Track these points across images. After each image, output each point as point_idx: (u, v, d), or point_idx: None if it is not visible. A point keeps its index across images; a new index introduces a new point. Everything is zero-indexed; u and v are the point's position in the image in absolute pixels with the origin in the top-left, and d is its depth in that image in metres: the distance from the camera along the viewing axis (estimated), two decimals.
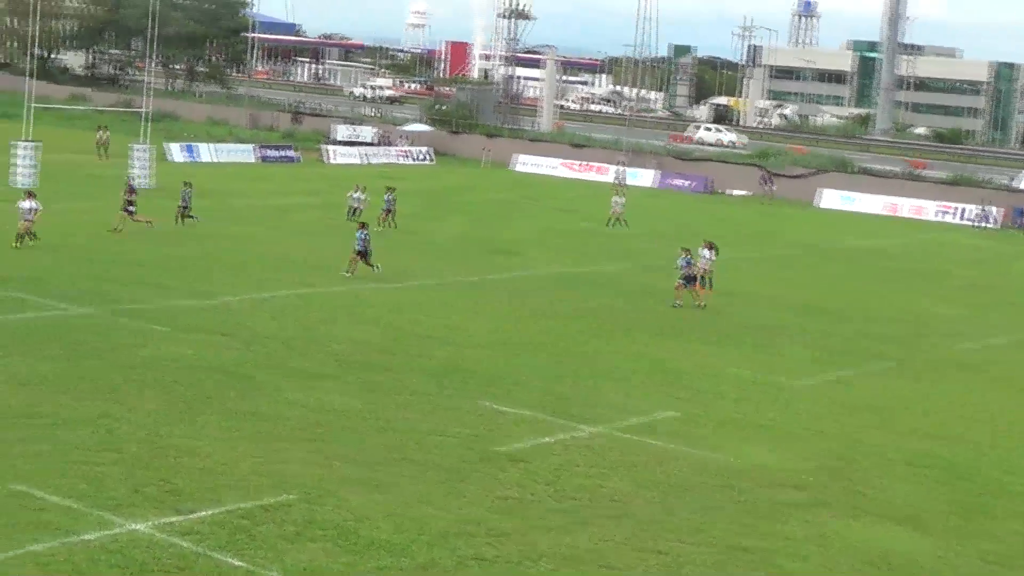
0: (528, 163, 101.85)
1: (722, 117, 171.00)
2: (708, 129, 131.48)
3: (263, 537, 20.97)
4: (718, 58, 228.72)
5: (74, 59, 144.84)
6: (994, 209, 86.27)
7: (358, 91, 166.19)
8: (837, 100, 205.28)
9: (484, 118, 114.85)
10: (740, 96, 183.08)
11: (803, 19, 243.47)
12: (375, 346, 35.87)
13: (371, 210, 60.14)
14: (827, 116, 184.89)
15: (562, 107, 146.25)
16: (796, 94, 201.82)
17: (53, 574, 19.07)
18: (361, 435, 27.17)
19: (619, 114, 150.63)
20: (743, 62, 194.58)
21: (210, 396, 29.21)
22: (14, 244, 45.76)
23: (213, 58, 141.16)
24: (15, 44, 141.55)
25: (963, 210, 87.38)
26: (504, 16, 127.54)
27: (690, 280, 45.92)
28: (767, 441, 29.62)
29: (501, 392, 31.87)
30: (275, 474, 24.08)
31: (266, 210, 64.30)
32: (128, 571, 19.34)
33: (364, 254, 45.90)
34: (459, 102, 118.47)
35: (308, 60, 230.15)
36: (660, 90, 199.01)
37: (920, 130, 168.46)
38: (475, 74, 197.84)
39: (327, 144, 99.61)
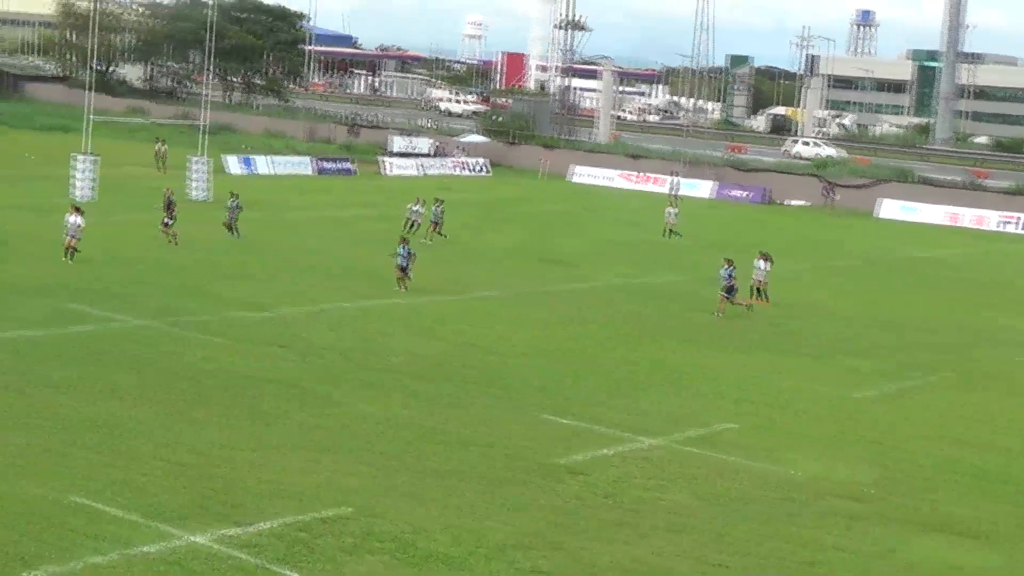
0: (585, 174, 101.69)
1: (780, 127, 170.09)
2: (806, 143, 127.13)
3: (321, 549, 20.92)
4: (776, 68, 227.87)
5: (132, 72, 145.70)
6: None
7: (443, 105, 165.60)
8: (896, 109, 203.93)
9: (541, 129, 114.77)
10: (798, 106, 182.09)
11: (861, 28, 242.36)
12: (433, 358, 35.83)
13: (427, 224, 60.03)
14: (886, 125, 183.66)
15: (619, 118, 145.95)
16: (854, 104, 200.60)
17: None
18: (419, 447, 27.11)
19: (677, 125, 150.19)
20: (801, 72, 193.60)
21: (269, 408, 29.25)
22: (64, 258, 45.82)
23: (270, 71, 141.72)
24: (74, 57, 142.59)
25: None
26: (561, 27, 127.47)
27: (731, 291, 45.64)
28: (827, 453, 29.36)
29: (559, 403, 31.76)
30: (333, 486, 24.05)
31: (323, 222, 64.45)
32: None
33: (404, 269, 45.65)
34: (516, 113, 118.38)
35: (365, 72, 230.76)
36: (717, 100, 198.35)
37: (981, 139, 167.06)
38: (531, 85, 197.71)
39: (384, 156, 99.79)
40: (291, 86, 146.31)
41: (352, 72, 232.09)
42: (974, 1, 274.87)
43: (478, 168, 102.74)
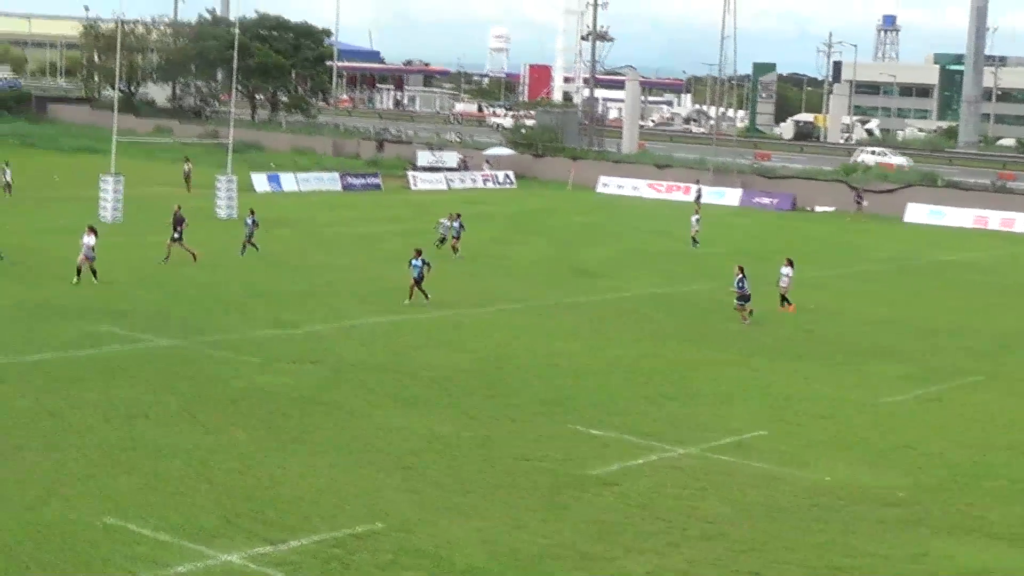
0: (612, 184, 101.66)
1: (806, 134, 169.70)
2: (872, 152, 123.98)
3: (357, 566, 20.98)
4: (801, 75, 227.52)
5: (158, 92, 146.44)
6: None
7: (494, 120, 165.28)
8: (922, 114, 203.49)
9: (567, 141, 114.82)
10: (823, 112, 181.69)
11: (885, 33, 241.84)
12: (463, 371, 35.87)
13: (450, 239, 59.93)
14: (912, 130, 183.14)
15: (642, 127, 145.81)
16: (880, 109, 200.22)
17: None
18: (452, 461, 27.16)
19: (703, 133, 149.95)
20: (826, 78, 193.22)
21: (301, 425, 29.33)
22: (74, 280, 45.82)
23: (297, 88, 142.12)
24: (99, 79, 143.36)
25: None
26: (585, 38, 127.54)
27: (744, 299, 45.61)
28: (859, 459, 29.29)
29: (590, 414, 31.76)
30: (367, 502, 24.11)
31: (351, 238, 64.57)
32: None
33: (419, 281, 45.48)
34: (542, 125, 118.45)
35: (391, 87, 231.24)
36: (742, 108, 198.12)
37: (1007, 141, 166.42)
38: (557, 97, 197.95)
39: (411, 171, 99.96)
40: (317, 102, 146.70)
41: (378, 87, 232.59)
42: (998, 4, 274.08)
43: (504, 181, 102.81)
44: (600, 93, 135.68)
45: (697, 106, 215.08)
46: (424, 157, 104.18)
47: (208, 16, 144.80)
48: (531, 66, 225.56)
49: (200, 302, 44.35)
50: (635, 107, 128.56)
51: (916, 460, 29.56)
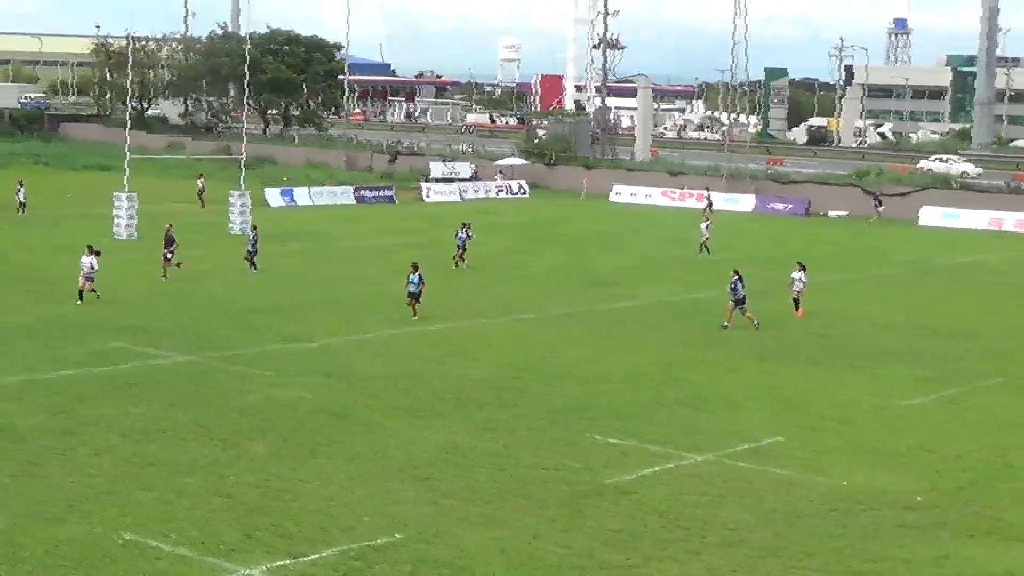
0: (625, 193, 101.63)
1: (819, 139, 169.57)
2: (940, 160, 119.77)
3: None
4: (812, 79, 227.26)
5: (170, 108, 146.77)
6: None
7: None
8: (935, 116, 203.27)
9: (580, 149, 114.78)
10: (836, 117, 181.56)
11: (897, 36, 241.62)
12: (479, 382, 35.86)
13: (475, 248, 59.94)
14: (925, 133, 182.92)
15: (659, 135, 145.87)
16: (892, 112, 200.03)
17: None
18: (470, 472, 27.14)
19: (717, 140, 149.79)
20: (838, 82, 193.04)
21: (317, 438, 29.34)
22: (78, 301, 45.57)
23: (308, 102, 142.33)
24: (111, 96, 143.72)
25: None
26: (596, 47, 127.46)
27: (740, 302, 45.57)
28: (877, 463, 29.22)
29: (606, 423, 31.72)
30: (386, 514, 24.11)
31: (365, 251, 64.55)
32: None
33: (416, 296, 45.20)
34: (555, 134, 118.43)
35: (402, 99, 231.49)
36: (754, 114, 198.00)
37: (1021, 142, 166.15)
38: (569, 106, 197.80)
39: (424, 182, 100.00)
40: (329, 116, 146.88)
41: (389, 100, 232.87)
42: (1009, 5, 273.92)
43: (518, 191, 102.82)
44: (612, 101, 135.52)
45: (709, 112, 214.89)
46: (437, 169, 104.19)
47: (220, 31, 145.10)
48: (543, 75, 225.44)
49: (214, 317, 44.41)
50: (647, 115, 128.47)
51: (934, 463, 29.49)
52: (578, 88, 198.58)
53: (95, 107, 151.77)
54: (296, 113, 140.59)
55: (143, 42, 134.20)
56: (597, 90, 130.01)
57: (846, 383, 37.63)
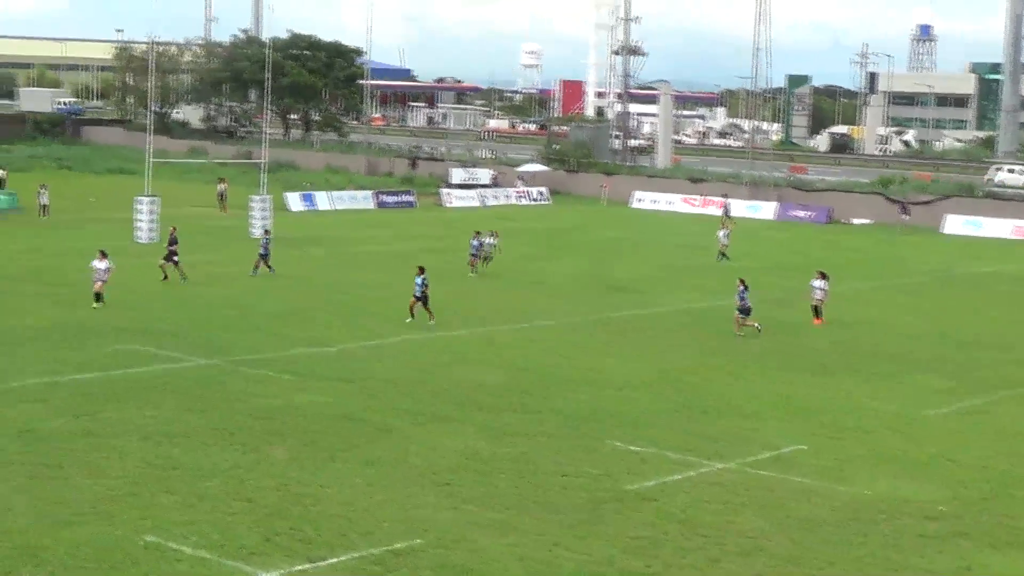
0: (646, 199, 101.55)
1: (841, 146, 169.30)
2: (1011, 171, 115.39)
3: None
4: (835, 86, 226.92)
5: (192, 113, 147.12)
6: None
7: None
8: (959, 124, 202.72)
9: (601, 156, 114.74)
10: (859, 124, 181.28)
11: (921, 43, 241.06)
12: (499, 388, 35.81)
13: (503, 254, 59.97)
14: (949, 140, 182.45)
15: (679, 142, 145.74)
16: (916, 119, 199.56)
17: None
18: (489, 478, 27.09)
19: (739, 147, 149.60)
20: (861, 89, 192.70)
21: (337, 443, 29.32)
22: (94, 304, 45.54)
23: (329, 107, 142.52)
24: (133, 101, 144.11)
25: None
26: (617, 53, 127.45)
27: (745, 311, 45.50)
28: (899, 472, 29.09)
29: (626, 430, 31.64)
30: (405, 519, 24.07)
31: (384, 256, 64.53)
32: None
33: (422, 300, 45.00)
34: (576, 141, 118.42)
35: (423, 105, 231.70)
36: (776, 121, 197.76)
37: None
38: (590, 112, 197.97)
39: (445, 188, 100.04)
40: (350, 121, 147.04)
41: (410, 105, 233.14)
42: None
43: (538, 197, 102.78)
44: (633, 108, 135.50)
45: (731, 120, 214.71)
46: (457, 174, 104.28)
47: (243, 34, 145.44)
48: (563, 81, 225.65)
49: (234, 321, 44.45)
50: (668, 121, 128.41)
51: (957, 473, 29.36)
52: (599, 94, 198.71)
53: (116, 111, 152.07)
54: (317, 118, 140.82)
55: (165, 47, 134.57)
56: (618, 96, 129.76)
57: (870, 392, 37.49)
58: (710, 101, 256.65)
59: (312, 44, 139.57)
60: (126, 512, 23.78)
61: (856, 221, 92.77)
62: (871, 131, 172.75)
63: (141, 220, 66.04)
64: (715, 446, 30.51)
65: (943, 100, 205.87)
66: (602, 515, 24.98)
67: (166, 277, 51.82)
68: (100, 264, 46.02)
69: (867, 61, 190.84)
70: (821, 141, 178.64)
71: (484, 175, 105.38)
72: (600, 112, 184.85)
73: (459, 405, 33.55)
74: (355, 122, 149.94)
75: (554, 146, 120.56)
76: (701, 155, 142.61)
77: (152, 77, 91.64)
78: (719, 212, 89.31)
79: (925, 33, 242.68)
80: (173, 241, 53.29)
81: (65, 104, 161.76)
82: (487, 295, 52.27)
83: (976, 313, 53.81)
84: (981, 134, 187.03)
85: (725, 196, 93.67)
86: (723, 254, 67.24)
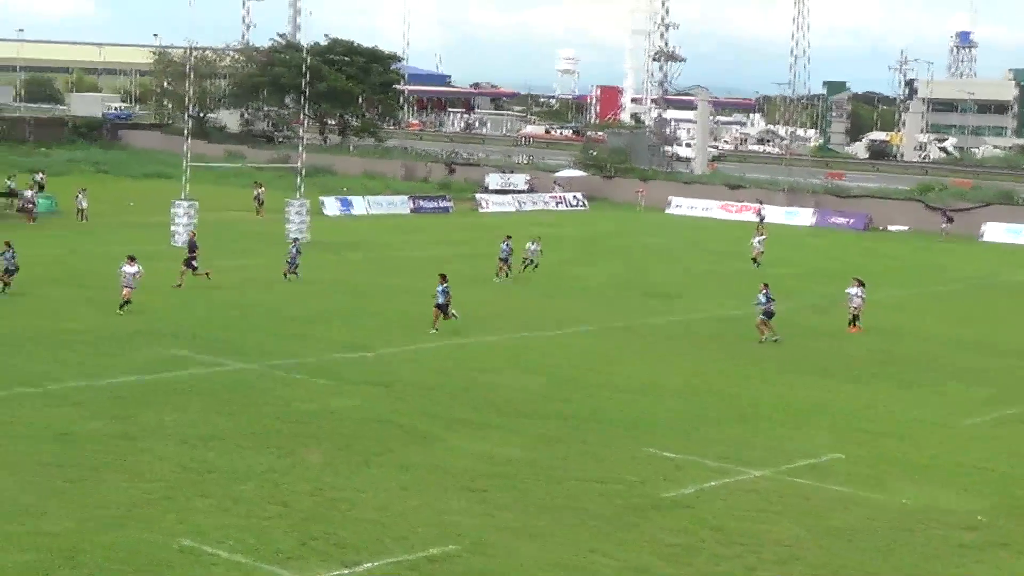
0: (683, 205, 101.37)
1: (880, 153, 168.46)
2: None
3: None
4: (874, 93, 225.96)
5: (229, 117, 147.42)
6: None
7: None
8: (999, 131, 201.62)
9: (638, 162, 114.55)
10: (897, 131, 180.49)
11: (961, 50, 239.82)
12: (535, 394, 35.76)
13: (543, 260, 59.97)
14: (989, 147, 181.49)
15: (717, 148, 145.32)
16: (955, 126, 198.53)
17: None
18: (525, 484, 27.02)
19: (777, 154, 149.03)
20: (900, 96, 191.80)
21: (373, 448, 29.30)
22: (119, 311, 45.34)
23: (366, 113, 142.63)
24: (171, 105, 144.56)
25: None
26: (655, 59, 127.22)
27: (769, 315, 45.29)
28: (938, 482, 28.90)
29: (663, 437, 31.53)
30: (441, 525, 24.02)
31: (420, 261, 64.41)
32: None
33: (443, 307, 44.71)
34: (613, 146, 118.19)
35: (460, 110, 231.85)
36: (814, 128, 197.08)
37: None
38: (626, 118, 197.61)
39: (481, 193, 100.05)
40: (386, 126, 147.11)
41: (447, 110, 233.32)
42: None
43: (575, 203, 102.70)
44: (670, 114, 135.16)
45: (768, 126, 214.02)
46: (494, 180, 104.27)
47: (280, 39, 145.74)
48: (600, 87, 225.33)
49: (271, 325, 44.50)
50: (705, 127, 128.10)
51: (996, 483, 29.15)
52: (636, 100, 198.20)
53: (154, 116, 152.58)
54: (354, 123, 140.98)
55: (203, 52, 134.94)
56: (655, 102, 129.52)
57: (908, 400, 37.29)
58: (747, 107, 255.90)
59: (349, 49, 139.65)
60: (162, 516, 23.81)
61: (894, 228, 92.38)
62: (910, 138, 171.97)
63: (178, 224, 66.21)
64: (752, 453, 30.38)
65: (983, 107, 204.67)
66: (638, 522, 24.88)
67: (179, 285, 51.48)
68: (129, 268, 45.86)
69: (906, 68, 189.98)
70: (859, 148, 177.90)
71: (520, 180, 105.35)
72: (637, 118, 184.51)
73: (496, 411, 33.49)
74: (392, 127, 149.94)
75: (591, 152, 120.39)
76: (739, 162, 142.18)
77: (190, 82, 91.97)
78: (754, 218, 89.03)
79: (965, 40, 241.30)
80: (193, 246, 53.39)
81: (115, 109, 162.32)
82: (526, 301, 52.22)
83: (1017, 322, 53.46)
84: (1021, 141, 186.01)
85: (759, 202, 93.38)
86: (756, 260, 67.01)
